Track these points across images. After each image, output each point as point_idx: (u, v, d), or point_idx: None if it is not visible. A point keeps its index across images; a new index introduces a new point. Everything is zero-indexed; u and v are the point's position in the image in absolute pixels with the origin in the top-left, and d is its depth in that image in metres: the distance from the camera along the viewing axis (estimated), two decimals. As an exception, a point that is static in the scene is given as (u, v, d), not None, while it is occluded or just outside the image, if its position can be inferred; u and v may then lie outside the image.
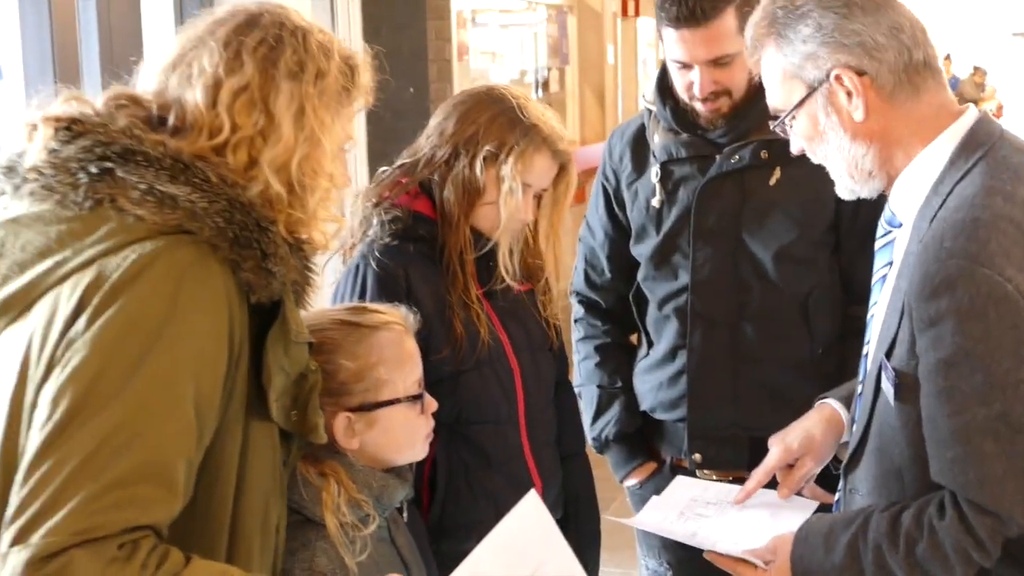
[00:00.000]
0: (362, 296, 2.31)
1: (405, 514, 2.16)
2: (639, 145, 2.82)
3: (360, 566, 1.91)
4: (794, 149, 1.97)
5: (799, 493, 2.25)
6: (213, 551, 1.60)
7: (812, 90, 1.85)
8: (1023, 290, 1.68)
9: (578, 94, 10.44)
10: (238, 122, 1.63)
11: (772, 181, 2.64)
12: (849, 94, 1.82)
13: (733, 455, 2.71)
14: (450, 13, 6.60)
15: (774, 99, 1.94)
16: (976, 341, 1.68)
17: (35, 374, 1.51)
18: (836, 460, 2.24)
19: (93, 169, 1.55)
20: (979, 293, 1.67)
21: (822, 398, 2.27)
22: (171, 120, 1.65)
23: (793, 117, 1.91)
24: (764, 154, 2.62)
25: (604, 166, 2.90)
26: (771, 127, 1.99)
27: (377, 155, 5.12)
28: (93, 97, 1.68)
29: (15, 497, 1.44)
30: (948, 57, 20.68)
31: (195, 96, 1.64)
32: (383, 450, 2.03)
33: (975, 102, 12.42)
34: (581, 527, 2.53)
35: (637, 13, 11.03)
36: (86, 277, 1.51)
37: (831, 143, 1.89)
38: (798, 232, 2.64)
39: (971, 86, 19.97)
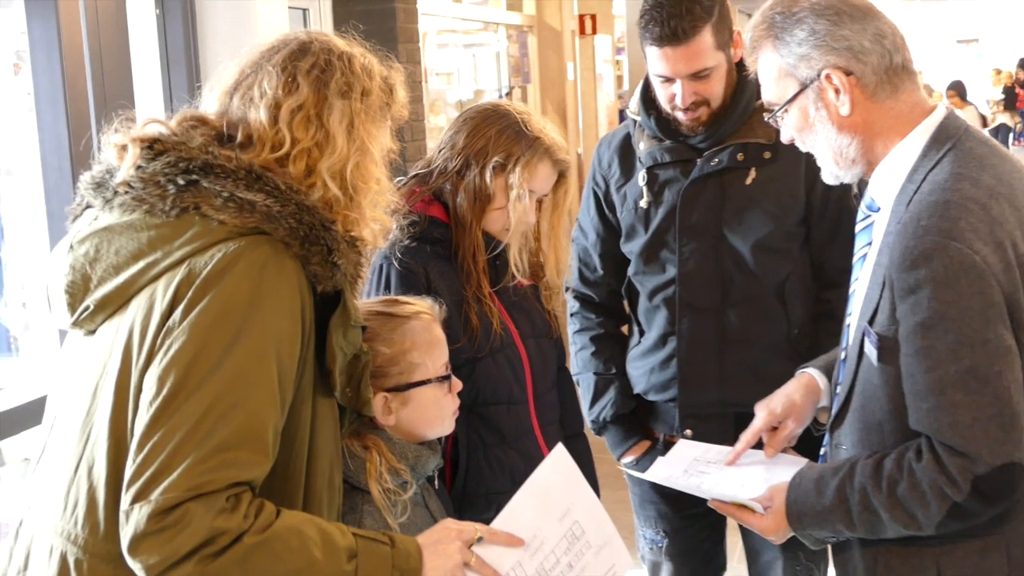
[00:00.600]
0: (387, 292, 2.48)
1: (436, 483, 2.35)
2: (626, 152, 2.99)
3: (401, 527, 2.11)
4: (784, 138, 2.14)
5: (783, 452, 2.44)
6: (292, 507, 1.80)
7: (804, 87, 2.02)
8: (989, 261, 1.84)
9: (539, 110, 10.50)
10: (297, 136, 1.81)
11: (748, 181, 2.83)
12: (837, 91, 1.99)
13: (720, 429, 2.87)
14: (419, 36, 6.71)
15: (769, 94, 2.10)
16: (949, 305, 1.84)
17: (138, 361, 1.70)
18: (817, 423, 2.42)
19: (180, 181, 1.75)
20: (952, 264, 1.83)
21: (803, 368, 2.45)
22: (238, 137, 1.84)
23: (786, 110, 2.07)
24: (740, 156, 2.82)
25: (594, 173, 3.07)
26: (765, 118, 2.15)
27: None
28: (167, 118, 1.88)
29: (131, 464, 1.63)
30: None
31: (258, 115, 1.83)
32: (416, 425, 2.21)
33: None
34: None
35: (595, 31, 11.12)
36: (178, 274, 1.71)
37: (819, 134, 2.06)
38: (773, 225, 2.83)
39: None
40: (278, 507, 1.72)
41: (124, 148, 1.82)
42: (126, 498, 1.62)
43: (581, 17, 11.04)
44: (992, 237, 1.86)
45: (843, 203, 2.85)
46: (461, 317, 2.47)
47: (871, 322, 1.99)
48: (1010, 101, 20.80)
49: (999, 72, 21.63)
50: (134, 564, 1.62)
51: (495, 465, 2.51)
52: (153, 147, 1.80)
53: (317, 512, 1.84)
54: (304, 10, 5.77)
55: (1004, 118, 20.52)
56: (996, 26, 31.94)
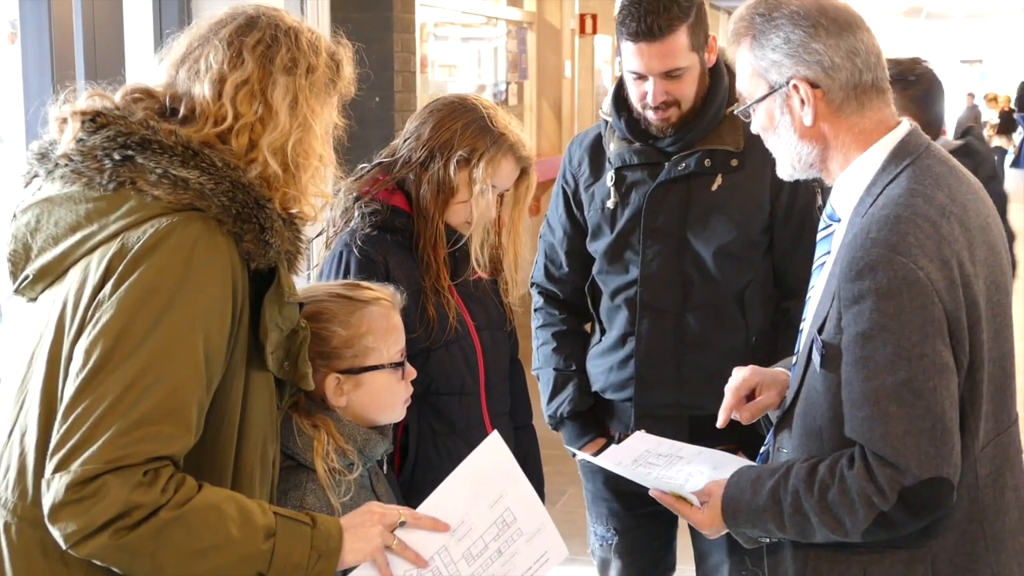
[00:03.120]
0: (346, 278, 2.47)
1: (385, 468, 2.37)
2: (596, 152, 3.01)
3: (343, 507, 2.12)
4: (753, 129, 2.16)
5: (734, 455, 2.45)
6: (220, 482, 1.82)
7: (773, 91, 2.04)
8: (933, 278, 1.85)
9: (535, 108, 10.50)
10: (240, 111, 1.82)
11: (714, 187, 2.85)
12: (803, 101, 2.01)
13: (675, 431, 2.83)
14: (415, 27, 6.73)
15: (742, 86, 2.13)
16: (889, 317, 1.85)
17: (70, 331, 1.73)
18: (768, 420, 2.42)
19: (116, 156, 1.76)
20: (895, 277, 1.85)
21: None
22: (181, 111, 1.85)
23: (753, 109, 2.10)
24: (707, 162, 2.84)
25: (564, 170, 3.09)
26: (735, 111, 2.18)
27: (343, 159, 5.27)
28: (111, 92, 1.89)
29: (55, 433, 1.66)
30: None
31: (202, 89, 1.83)
32: (367, 409, 2.23)
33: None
34: None
35: (595, 31, 11.16)
36: (112, 248, 1.73)
37: (781, 137, 2.08)
38: (736, 232, 2.85)
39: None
40: (201, 483, 1.74)
41: (64, 121, 1.83)
42: (48, 466, 1.65)
43: (582, 16, 11.07)
44: (938, 254, 1.88)
45: (807, 214, 2.88)
46: (418, 308, 2.48)
47: (820, 330, 2.01)
48: (1005, 125, 20.91)
49: (995, 97, 21.76)
50: (54, 531, 1.65)
51: (444, 454, 2.52)
52: (96, 120, 1.81)
53: (248, 485, 1.87)
54: (301, -2, 5.77)
55: (999, 141, 20.60)
56: (999, 47, 32.02)
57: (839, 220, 2.11)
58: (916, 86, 3.52)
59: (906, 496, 1.87)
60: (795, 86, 2.02)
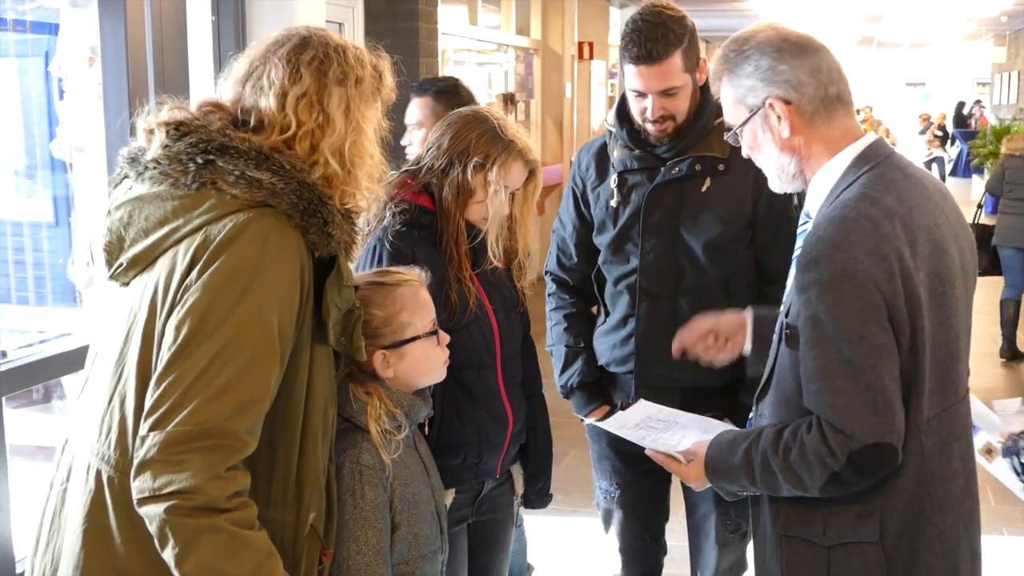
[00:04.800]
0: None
1: (426, 429, 2.39)
2: (602, 158, 3.02)
3: (393, 463, 2.15)
4: (744, 153, 2.15)
5: (722, 421, 2.47)
6: (292, 436, 1.84)
7: (752, 113, 2.05)
8: (871, 271, 1.86)
9: (540, 123, 10.52)
10: (302, 119, 1.83)
11: (704, 188, 2.85)
12: (779, 118, 2.02)
13: (668, 399, 2.83)
14: (438, 52, 6.77)
15: (728, 117, 2.13)
16: (831, 305, 1.87)
17: (162, 312, 1.73)
18: (750, 394, 2.38)
19: (199, 160, 1.77)
20: (835, 270, 1.86)
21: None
22: (251, 122, 1.86)
23: (739, 132, 2.10)
24: (698, 167, 2.84)
25: (574, 174, 3.09)
26: (725, 137, 2.17)
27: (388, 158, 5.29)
28: (188, 104, 1.90)
29: (150, 397, 1.67)
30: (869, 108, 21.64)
31: (268, 102, 1.84)
32: (411, 376, 2.25)
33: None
34: (539, 448, 2.75)
35: (591, 57, 11.17)
36: (196, 239, 1.74)
37: (766, 152, 2.08)
38: (723, 227, 2.85)
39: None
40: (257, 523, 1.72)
41: (151, 132, 1.84)
42: (143, 426, 1.66)
43: (580, 44, 11.07)
44: (877, 250, 1.87)
45: (784, 212, 2.88)
46: (442, 294, 2.48)
47: (787, 314, 2.02)
48: (944, 139, 21.06)
49: (928, 118, 22.09)
50: (134, 484, 1.65)
51: (464, 420, 2.53)
52: (179, 129, 1.82)
53: (313, 441, 1.88)
54: (340, 24, 5.78)
55: (938, 152, 20.70)
56: (940, 72, 32.02)
57: (811, 218, 2.10)
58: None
59: (854, 458, 1.88)
60: (771, 104, 2.02)
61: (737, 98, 2.08)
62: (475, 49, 9.34)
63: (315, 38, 1.89)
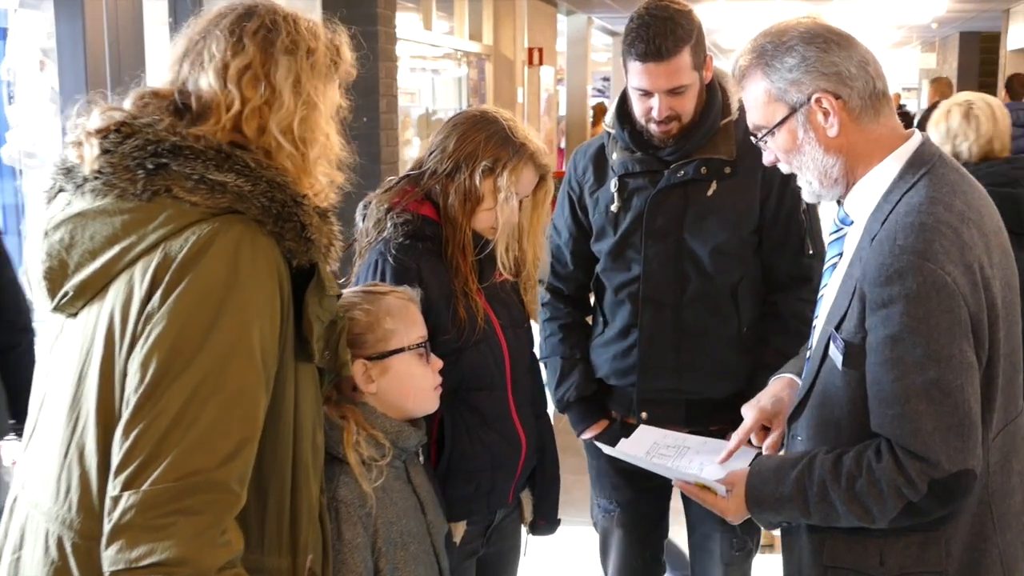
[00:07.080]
0: None
1: (421, 458, 2.14)
2: (599, 161, 2.82)
3: (377, 500, 1.89)
4: (766, 160, 1.97)
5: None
6: (283, 472, 1.59)
7: (794, 110, 1.86)
8: (959, 282, 1.70)
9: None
10: (247, 95, 1.56)
11: (709, 192, 2.67)
12: (827, 114, 1.82)
13: (672, 414, 2.74)
14: (397, 57, 6.59)
15: (755, 118, 1.92)
16: (919, 321, 1.69)
17: (121, 347, 1.46)
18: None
19: (149, 165, 1.50)
20: (925, 283, 1.69)
21: (777, 375, 2.24)
22: (193, 106, 1.59)
23: (773, 133, 1.89)
24: (704, 170, 2.65)
25: (569, 178, 2.89)
26: (752, 140, 1.98)
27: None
28: (121, 102, 1.62)
29: (119, 450, 1.40)
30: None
31: (208, 79, 1.58)
32: (398, 397, 2.01)
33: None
34: (546, 472, 2.53)
35: (541, 63, 11.08)
36: (155, 259, 1.46)
37: (807, 155, 1.88)
38: (729, 233, 2.67)
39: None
40: None
41: (80, 144, 1.56)
42: (114, 484, 1.39)
43: (530, 50, 10.96)
44: (962, 259, 1.71)
45: (792, 216, 2.71)
46: (450, 310, 2.27)
47: (838, 328, 1.83)
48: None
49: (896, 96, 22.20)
50: (107, 550, 1.38)
51: (476, 445, 2.32)
52: (121, 130, 1.54)
53: (305, 471, 1.63)
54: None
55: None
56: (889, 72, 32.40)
57: (851, 224, 1.92)
58: None
59: (936, 488, 1.72)
60: (818, 100, 1.83)
61: (775, 94, 1.87)
62: (428, 56, 9.12)
63: (262, 7, 1.63)
